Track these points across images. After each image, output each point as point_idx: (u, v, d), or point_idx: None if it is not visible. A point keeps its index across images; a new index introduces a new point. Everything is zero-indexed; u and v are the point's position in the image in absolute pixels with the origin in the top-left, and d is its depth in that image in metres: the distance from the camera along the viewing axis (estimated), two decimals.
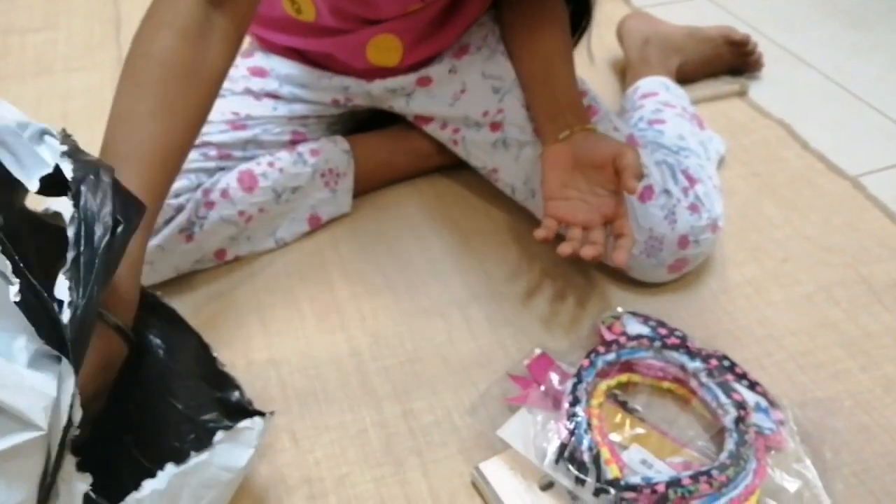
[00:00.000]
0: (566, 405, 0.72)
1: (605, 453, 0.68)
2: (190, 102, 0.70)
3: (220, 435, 0.60)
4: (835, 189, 1.09)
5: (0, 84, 1.30)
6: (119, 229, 0.53)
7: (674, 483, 0.66)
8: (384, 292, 0.92)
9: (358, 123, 1.08)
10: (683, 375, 0.77)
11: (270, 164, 0.94)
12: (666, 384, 0.78)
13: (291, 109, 0.98)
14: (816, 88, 1.33)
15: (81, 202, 0.52)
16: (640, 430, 0.73)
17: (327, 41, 0.94)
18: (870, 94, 1.30)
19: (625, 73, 1.27)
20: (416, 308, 0.90)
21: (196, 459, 0.58)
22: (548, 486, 0.69)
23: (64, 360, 0.49)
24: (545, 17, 0.92)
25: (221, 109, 0.94)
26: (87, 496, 0.52)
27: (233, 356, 0.83)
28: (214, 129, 0.92)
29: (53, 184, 0.54)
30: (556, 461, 0.68)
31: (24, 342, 0.48)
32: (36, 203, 0.63)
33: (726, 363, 0.78)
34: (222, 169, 0.92)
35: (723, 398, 0.75)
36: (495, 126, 0.96)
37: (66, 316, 0.48)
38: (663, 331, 0.81)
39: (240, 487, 0.65)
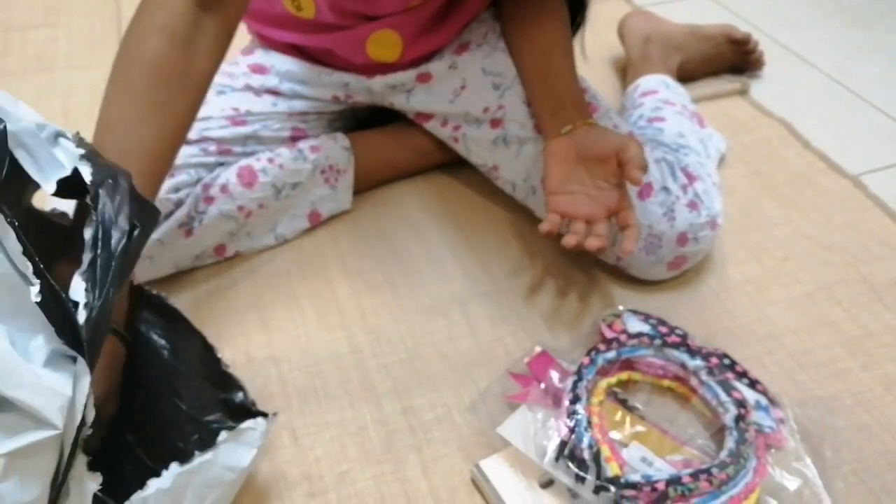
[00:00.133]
0: (566, 403, 0.72)
1: (606, 451, 0.68)
2: (179, 107, 0.70)
3: (223, 435, 0.60)
4: (836, 188, 1.09)
5: (1, 81, 1.30)
6: (135, 233, 0.54)
7: (674, 481, 0.66)
8: (384, 289, 0.92)
9: (358, 121, 1.08)
10: (684, 373, 0.77)
11: (270, 160, 0.94)
12: (666, 382, 0.78)
13: (291, 106, 0.98)
14: (817, 87, 1.33)
15: (99, 205, 0.53)
16: (640, 428, 0.72)
17: (327, 37, 0.94)
18: (871, 94, 1.30)
19: (625, 72, 1.27)
20: (417, 305, 0.90)
21: (200, 459, 0.59)
22: (548, 483, 0.69)
23: (79, 359, 0.49)
24: (545, 12, 0.92)
25: (221, 105, 0.94)
26: (95, 495, 0.52)
27: (233, 353, 0.83)
28: (214, 125, 0.92)
29: (69, 186, 0.54)
30: (557, 459, 0.68)
31: (40, 342, 0.49)
32: (40, 203, 0.63)
33: (727, 361, 0.78)
34: (222, 164, 0.92)
35: (723, 396, 0.74)
36: (496, 123, 0.96)
37: (81, 317, 0.49)
38: (664, 329, 0.81)
39: (242, 484, 0.65)
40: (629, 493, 0.65)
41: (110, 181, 0.54)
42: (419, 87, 0.99)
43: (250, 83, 0.97)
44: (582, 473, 0.66)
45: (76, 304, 0.49)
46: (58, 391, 0.48)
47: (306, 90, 0.99)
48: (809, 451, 0.72)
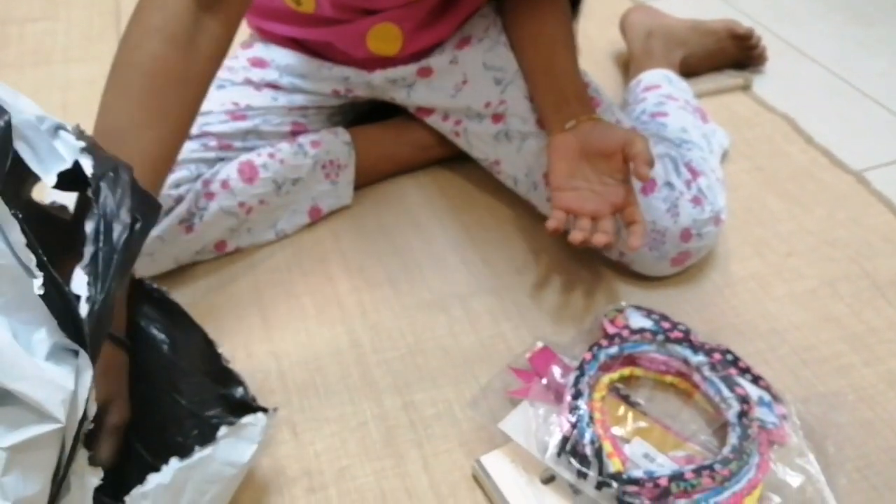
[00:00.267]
0: (568, 398, 0.71)
1: (608, 447, 0.68)
2: (179, 111, 0.70)
3: (223, 430, 0.60)
4: (839, 184, 1.09)
5: None
6: (137, 226, 0.54)
7: (676, 477, 0.65)
8: (385, 285, 0.91)
9: (359, 115, 1.08)
10: (686, 369, 0.77)
11: (271, 156, 0.93)
12: (669, 378, 0.78)
13: (291, 100, 0.97)
14: (820, 83, 1.33)
15: (101, 199, 0.53)
16: (642, 424, 0.72)
17: (327, 31, 0.93)
18: (874, 89, 1.30)
19: (627, 67, 1.27)
20: (418, 301, 0.89)
21: (200, 454, 0.58)
22: (549, 479, 0.68)
23: (81, 353, 0.49)
24: (546, 6, 0.92)
25: (221, 100, 0.93)
26: (95, 491, 0.52)
27: (233, 348, 0.83)
28: (214, 120, 0.91)
29: (69, 179, 0.54)
30: (558, 454, 0.67)
31: (42, 335, 0.49)
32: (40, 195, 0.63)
33: (729, 357, 0.78)
34: (222, 159, 0.91)
35: (726, 392, 0.74)
36: (497, 117, 0.95)
37: (83, 310, 0.49)
38: (666, 324, 0.80)
39: (242, 479, 0.65)
40: (631, 488, 0.64)
41: (111, 174, 0.54)
42: (420, 81, 0.98)
43: (250, 77, 0.96)
44: (584, 469, 0.66)
45: (78, 297, 0.49)
46: (60, 385, 0.48)
47: (306, 84, 0.98)
48: (812, 447, 0.71)
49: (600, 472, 0.65)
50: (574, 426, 0.69)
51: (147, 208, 0.55)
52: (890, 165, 1.13)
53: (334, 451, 0.74)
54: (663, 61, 1.21)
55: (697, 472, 0.66)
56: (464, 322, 0.87)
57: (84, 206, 0.59)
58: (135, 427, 0.65)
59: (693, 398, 0.77)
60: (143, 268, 0.85)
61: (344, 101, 1.03)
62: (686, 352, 0.77)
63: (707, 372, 0.76)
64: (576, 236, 0.80)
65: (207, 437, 0.60)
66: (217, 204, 0.89)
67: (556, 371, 0.75)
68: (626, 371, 0.77)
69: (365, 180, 1.03)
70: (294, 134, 0.98)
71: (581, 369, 0.74)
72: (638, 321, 0.81)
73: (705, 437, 0.73)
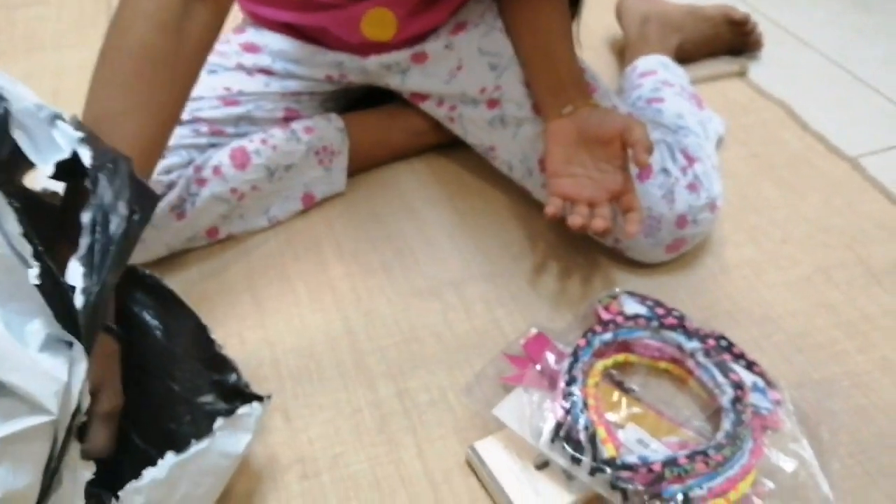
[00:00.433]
0: (562, 384, 0.71)
1: (602, 433, 0.68)
2: (168, 98, 0.69)
3: (219, 422, 0.60)
4: (834, 170, 1.08)
5: None
6: (134, 218, 0.53)
7: (670, 462, 0.65)
8: (379, 272, 0.91)
9: (352, 101, 1.07)
10: (680, 355, 0.77)
11: (263, 142, 0.92)
12: (663, 364, 0.78)
13: (284, 86, 0.97)
14: (816, 69, 1.32)
15: (99, 190, 0.52)
16: (636, 410, 0.72)
17: (321, 16, 0.92)
18: (870, 76, 1.29)
19: (623, 53, 1.26)
20: (412, 288, 0.89)
21: (196, 448, 0.58)
22: (543, 465, 0.68)
23: (76, 344, 0.49)
24: None
25: (213, 85, 0.93)
26: (88, 485, 0.52)
27: (226, 335, 0.82)
28: (206, 105, 0.91)
29: (66, 169, 0.54)
30: (552, 440, 0.67)
31: (36, 326, 0.48)
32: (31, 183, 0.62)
33: (724, 343, 0.78)
34: (214, 145, 0.91)
35: (720, 378, 0.74)
36: (492, 103, 0.95)
37: (79, 301, 0.49)
38: (661, 311, 0.80)
39: None
40: (625, 474, 0.64)
41: (110, 165, 0.54)
42: (414, 67, 0.98)
43: (242, 62, 0.96)
44: (578, 455, 0.65)
45: (73, 288, 0.49)
46: (53, 376, 0.47)
47: (300, 70, 0.97)
48: (806, 432, 0.71)
49: (594, 458, 0.65)
50: (568, 412, 0.68)
51: (145, 200, 0.55)
52: (885, 152, 1.13)
53: (328, 437, 0.74)
54: (659, 47, 1.20)
55: (691, 457, 0.66)
56: (458, 309, 0.87)
57: (74, 194, 0.59)
58: (128, 414, 0.65)
59: (687, 384, 0.77)
60: (135, 255, 0.82)
61: (337, 87, 1.02)
62: (680, 338, 0.77)
63: (701, 358, 0.76)
64: (575, 221, 0.79)
65: (200, 424, 0.60)
66: (209, 190, 0.88)
67: (551, 357, 0.74)
68: (621, 357, 0.77)
69: (358, 166, 1.02)
70: (287, 120, 0.97)
71: (575, 355, 0.74)
72: (632, 307, 0.81)
73: (699, 422, 0.73)
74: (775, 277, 0.92)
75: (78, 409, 0.49)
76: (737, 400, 0.72)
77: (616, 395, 0.73)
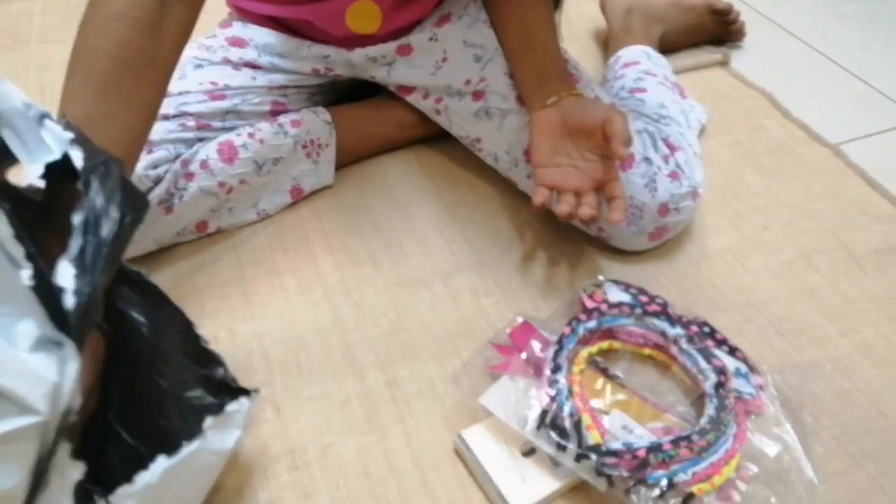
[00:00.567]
0: (547, 372, 0.72)
1: (587, 419, 0.69)
2: (146, 97, 0.69)
3: (209, 421, 0.60)
4: (815, 157, 1.09)
5: None
6: (126, 221, 0.53)
7: (654, 448, 0.66)
8: (367, 263, 0.92)
9: (339, 94, 1.07)
10: (664, 342, 0.78)
11: (251, 135, 0.93)
12: (647, 351, 0.79)
13: (271, 79, 0.97)
14: (798, 57, 1.33)
15: (91, 192, 0.52)
16: (620, 397, 0.73)
17: (306, 9, 0.92)
18: (852, 63, 1.30)
19: (607, 43, 1.27)
20: (400, 279, 0.90)
21: (188, 449, 0.58)
22: (530, 452, 0.69)
23: (67, 345, 0.49)
24: None
25: (199, 79, 0.93)
26: (78, 484, 0.51)
27: (216, 328, 0.83)
28: (192, 100, 0.91)
29: (55, 170, 0.53)
30: (538, 428, 0.68)
31: (27, 327, 0.48)
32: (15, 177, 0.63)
33: (706, 330, 0.79)
34: (201, 140, 0.91)
35: (703, 364, 0.75)
36: (477, 95, 0.95)
37: (70, 303, 0.49)
38: (644, 298, 0.81)
39: None
40: (610, 460, 0.65)
41: (102, 168, 0.53)
42: (400, 60, 0.98)
43: (229, 56, 0.96)
44: (563, 442, 0.66)
45: (63, 289, 0.49)
46: (43, 377, 0.47)
47: (286, 63, 0.97)
48: (789, 416, 0.72)
49: (579, 445, 0.66)
50: (553, 399, 0.69)
51: (135, 204, 0.55)
52: (867, 138, 1.14)
53: (317, 428, 0.74)
54: (643, 37, 1.21)
55: (675, 443, 0.67)
56: (445, 299, 0.87)
57: (58, 192, 0.59)
58: (115, 410, 0.65)
59: (671, 370, 0.78)
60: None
61: (324, 81, 1.02)
62: (664, 324, 0.78)
63: (684, 344, 0.77)
64: (562, 209, 0.80)
65: (189, 419, 0.60)
66: (196, 184, 0.88)
67: (536, 345, 0.75)
68: (605, 344, 0.78)
69: (346, 159, 1.03)
70: (274, 114, 0.97)
71: (560, 343, 0.75)
72: (616, 295, 0.82)
73: (683, 408, 0.74)
74: (757, 263, 0.93)
75: (68, 410, 0.49)
76: (720, 385, 0.73)
77: (601, 381, 0.74)
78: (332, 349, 0.82)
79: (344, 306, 0.86)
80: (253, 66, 0.97)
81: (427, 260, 0.92)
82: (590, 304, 0.80)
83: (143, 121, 0.69)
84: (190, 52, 0.95)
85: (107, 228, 0.52)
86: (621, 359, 0.78)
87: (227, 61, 0.96)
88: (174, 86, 0.90)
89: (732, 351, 0.77)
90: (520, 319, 0.79)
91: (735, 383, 0.74)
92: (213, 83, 0.93)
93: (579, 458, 0.66)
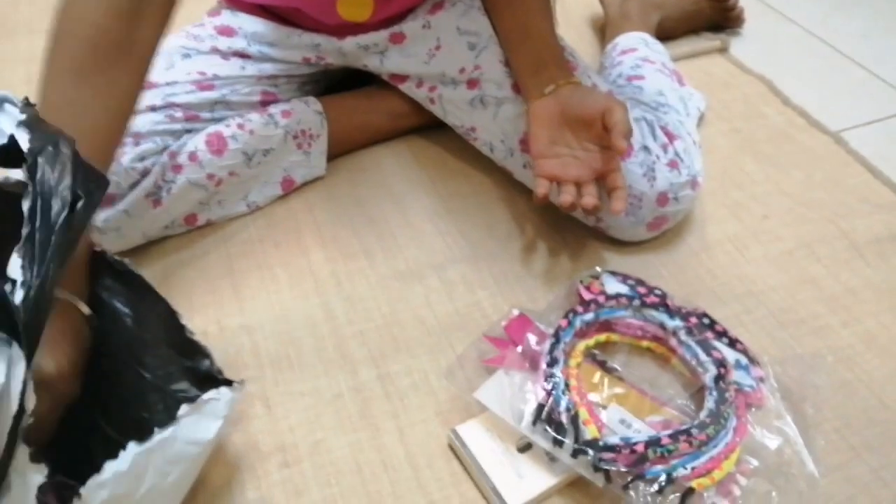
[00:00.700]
0: (544, 366, 0.71)
1: (584, 413, 0.67)
2: (125, 83, 0.68)
3: (184, 408, 0.58)
4: (816, 145, 1.08)
5: None
6: (79, 205, 0.51)
7: (653, 443, 0.65)
8: (360, 256, 0.90)
9: (330, 84, 1.05)
10: (663, 334, 0.76)
11: (240, 126, 0.91)
12: (645, 343, 0.77)
13: (260, 69, 0.95)
14: (798, 43, 1.32)
15: (38, 175, 0.49)
16: (618, 390, 0.72)
17: None
18: (852, 49, 1.29)
19: (604, 31, 1.25)
20: (393, 271, 0.88)
21: (160, 436, 0.55)
22: (526, 447, 0.68)
23: (14, 344, 0.46)
24: None
25: (187, 69, 0.91)
26: (41, 487, 0.49)
27: (205, 322, 0.81)
28: (180, 90, 0.89)
29: (11, 155, 0.51)
30: (534, 423, 0.67)
31: None
32: None
33: (706, 321, 0.77)
34: (189, 131, 0.89)
35: (702, 356, 0.74)
36: (472, 83, 0.93)
37: (18, 297, 0.46)
38: (642, 289, 0.80)
39: (212, 455, 0.64)
40: (608, 455, 0.64)
41: (50, 148, 0.51)
42: (393, 48, 0.96)
43: (217, 45, 0.94)
44: (560, 437, 0.65)
45: (14, 282, 0.46)
46: None
47: (276, 52, 0.96)
48: (790, 409, 0.71)
49: (576, 440, 0.65)
50: (549, 394, 0.68)
51: (92, 184, 0.52)
52: (868, 126, 1.13)
53: (308, 424, 0.73)
54: (640, 24, 1.19)
55: (674, 437, 0.66)
56: (440, 291, 0.86)
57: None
58: (99, 404, 0.64)
59: (670, 363, 0.76)
60: (111, 243, 0.83)
61: (315, 70, 1.00)
62: (662, 316, 0.77)
63: (684, 336, 0.75)
64: (565, 199, 0.79)
65: (173, 412, 0.58)
66: (185, 177, 0.87)
67: (532, 338, 0.74)
68: (602, 337, 0.77)
69: (338, 150, 1.01)
70: (264, 104, 0.96)
71: (556, 336, 0.73)
72: (614, 287, 0.80)
73: (682, 401, 0.73)
74: (757, 253, 0.91)
75: (22, 411, 0.46)
76: (720, 378, 0.71)
77: (598, 375, 0.73)
78: (324, 343, 0.80)
79: (336, 300, 0.85)
80: (242, 55, 0.95)
81: (421, 252, 0.90)
82: (587, 295, 0.79)
83: (124, 105, 0.67)
84: (177, 41, 0.93)
85: (56, 213, 0.49)
86: (619, 351, 0.77)
87: (215, 50, 0.94)
88: (161, 76, 0.89)
89: (732, 342, 0.76)
90: (515, 312, 0.77)
91: (735, 376, 0.73)
92: (202, 73, 0.91)
93: (576, 453, 0.64)
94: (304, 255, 0.90)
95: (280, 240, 0.92)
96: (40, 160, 0.50)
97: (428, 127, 1.05)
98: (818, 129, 1.10)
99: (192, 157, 0.87)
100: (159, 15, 0.69)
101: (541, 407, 0.67)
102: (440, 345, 0.80)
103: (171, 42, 0.93)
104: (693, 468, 0.64)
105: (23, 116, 0.52)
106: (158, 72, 0.89)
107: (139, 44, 0.67)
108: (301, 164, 0.97)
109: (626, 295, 0.79)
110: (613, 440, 0.65)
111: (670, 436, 0.66)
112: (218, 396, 0.60)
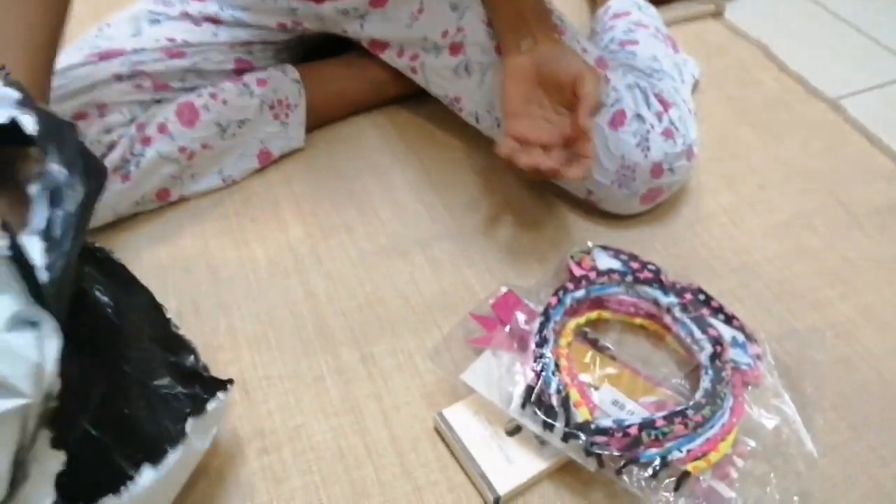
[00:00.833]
0: (533, 346, 0.68)
1: (575, 395, 0.65)
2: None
3: (191, 424, 0.57)
4: (813, 112, 1.05)
5: None
6: (89, 189, 0.52)
7: (647, 425, 0.62)
8: (340, 231, 0.87)
9: (308, 51, 1.01)
10: (657, 311, 0.74)
11: (213, 96, 0.87)
12: (638, 320, 0.75)
13: (234, 35, 0.91)
14: (794, 7, 1.29)
15: (49, 161, 0.50)
16: (611, 370, 0.69)
17: None
18: (850, 13, 1.26)
19: None
20: (375, 247, 0.85)
21: (174, 457, 0.55)
22: (515, 431, 0.65)
23: (45, 323, 0.46)
24: None
25: (156, 36, 0.86)
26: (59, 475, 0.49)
27: (179, 303, 0.78)
28: (148, 58, 0.85)
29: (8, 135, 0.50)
30: (523, 405, 0.64)
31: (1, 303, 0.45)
32: None
33: (701, 297, 0.75)
34: (158, 101, 0.85)
35: (698, 334, 0.71)
36: (455, 48, 0.89)
37: (44, 277, 0.46)
38: (635, 265, 0.77)
39: None
40: (600, 439, 0.61)
41: (59, 135, 0.51)
42: (373, 11, 0.92)
43: (188, 10, 0.89)
44: (550, 420, 0.62)
45: (34, 264, 0.46)
46: (24, 356, 0.44)
47: (250, 17, 0.91)
48: (788, 386, 0.69)
49: (567, 423, 0.62)
50: (539, 375, 0.65)
51: (96, 171, 0.53)
52: (866, 92, 1.10)
53: (288, 408, 0.70)
54: None
55: (669, 418, 0.63)
56: (425, 268, 0.83)
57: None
58: (76, 396, 0.61)
59: (664, 341, 0.74)
60: None
61: (291, 36, 0.96)
62: (656, 292, 0.74)
63: (678, 313, 0.72)
64: (527, 160, 0.74)
65: (156, 408, 0.57)
66: (154, 149, 0.83)
67: (521, 317, 0.71)
68: (594, 314, 0.74)
69: (317, 121, 0.97)
70: (238, 72, 0.92)
71: (546, 315, 0.71)
72: (606, 262, 0.77)
73: (677, 380, 0.70)
74: (753, 224, 0.89)
75: (49, 394, 0.46)
76: (716, 356, 0.69)
77: (590, 354, 0.70)
78: (304, 323, 0.77)
79: (316, 278, 0.81)
80: (214, 20, 0.90)
81: (404, 227, 0.87)
82: (578, 271, 0.76)
83: (48, 17, 0.63)
84: (145, 5, 0.89)
85: (72, 199, 0.50)
86: (611, 329, 0.74)
87: (185, 16, 0.89)
88: (128, 43, 0.84)
89: (729, 319, 0.73)
90: (503, 289, 0.74)
91: (732, 353, 0.70)
92: (171, 40, 0.87)
93: (567, 437, 0.62)
94: (283, 230, 0.87)
95: (257, 215, 0.88)
96: (51, 147, 0.50)
97: (410, 96, 1.01)
98: (815, 96, 1.07)
99: (162, 128, 0.83)
100: None
101: (530, 389, 0.64)
102: (425, 324, 0.77)
103: (139, 6, 0.88)
104: (689, 451, 0.62)
105: (18, 95, 0.51)
106: (125, 38, 0.84)
107: None
108: (278, 136, 0.93)
109: (619, 270, 0.76)
110: (606, 423, 0.63)
111: (665, 417, 0.63)
112: (219, 405, 0.59)
